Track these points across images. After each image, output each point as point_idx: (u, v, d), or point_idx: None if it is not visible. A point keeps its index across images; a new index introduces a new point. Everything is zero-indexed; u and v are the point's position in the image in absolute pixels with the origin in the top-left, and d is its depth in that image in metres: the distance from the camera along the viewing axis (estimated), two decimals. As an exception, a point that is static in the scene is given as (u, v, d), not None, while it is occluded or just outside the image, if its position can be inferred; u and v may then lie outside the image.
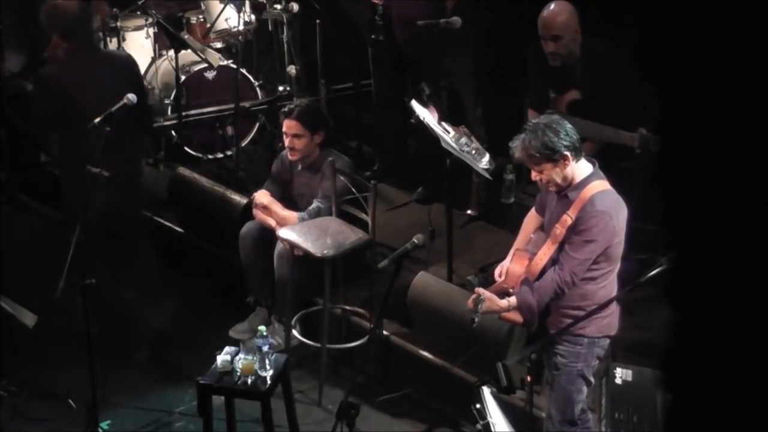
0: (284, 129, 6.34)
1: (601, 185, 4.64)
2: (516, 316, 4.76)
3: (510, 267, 4.85)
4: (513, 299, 4.73)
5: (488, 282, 5.03)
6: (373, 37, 7.41)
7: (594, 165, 4.70)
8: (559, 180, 4.64)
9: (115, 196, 5.91)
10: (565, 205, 4.65)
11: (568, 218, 4.60)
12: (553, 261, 4.69)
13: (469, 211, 7.21)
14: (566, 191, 4.65)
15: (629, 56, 5.96)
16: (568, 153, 4.57)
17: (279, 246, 6.18)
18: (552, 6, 6.05)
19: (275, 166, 6.60)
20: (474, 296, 4.74)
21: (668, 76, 1.78)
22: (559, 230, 4.63)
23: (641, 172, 5.66)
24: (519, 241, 4.98)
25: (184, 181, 7.26)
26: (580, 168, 4.65)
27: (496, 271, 4.97)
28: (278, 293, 6.25)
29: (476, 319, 4.69)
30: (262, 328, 5.30)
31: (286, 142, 6.34)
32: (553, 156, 4.58)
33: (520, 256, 4.86)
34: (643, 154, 5.62)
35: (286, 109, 6.41)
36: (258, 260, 6.36)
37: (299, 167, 6.44)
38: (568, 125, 4.64)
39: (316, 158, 6.35)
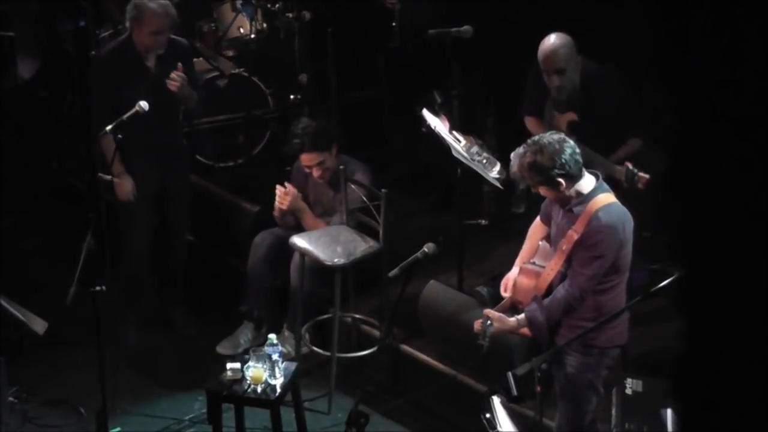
0: (305, 163, 6.23)
1: (605, 198, 4.59)
2: (525, 331, 4.74)
3: (518, 281, 4.81)
4: (522, 317, 4.70)
5: (496, 293, 5.00)
6: (391, 45, 7.39)
7: (597, 178, 4.65)
8: (556, 198, 4.62)
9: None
10: (571, 219, 4.61)
11: (574, 234, 4.56)
12: (561, 275, 4.66)
13: (479, 221, 7.19)
14: (571, 205, 4.62)
15: (628, 77, 5.96)
16: (561, 180, 4.53)
17: (296, 257, 6.14)
18: (552, 39, 5.96)
19: (294, 173, 6.48)
20: (481, 319, 4.70)
21: (678, 87, 1.77)
22: (566, 246, 4.59)
23: (653, 180, 5.64)
24: (525, 252, 4.95)
25: (195, 189, 7.25)
26: (584, 182, 4.60)
27: (501, 285, 4.93)
28: (291, 303, 6.23)
29: (486, 345, 4.65)
30: (272, 336, 5.30)
31: (314, 173, 6.22)
32: (545, 181, 4.56)
33: (527, 270, 4.82)
34: (630, 189, 5.51)
35: (295, 145, 6.23)
36: (263, 271, 6.33)
37: None
38: (569, 150, 4.54)
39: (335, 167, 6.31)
